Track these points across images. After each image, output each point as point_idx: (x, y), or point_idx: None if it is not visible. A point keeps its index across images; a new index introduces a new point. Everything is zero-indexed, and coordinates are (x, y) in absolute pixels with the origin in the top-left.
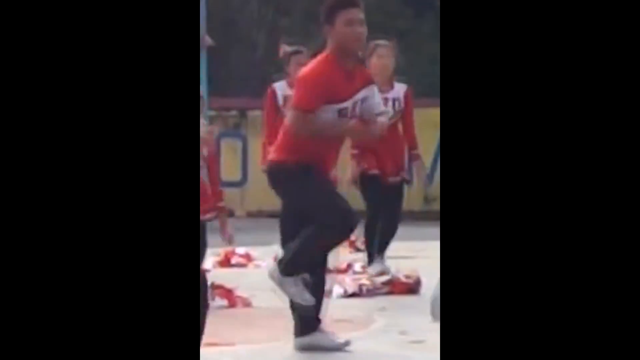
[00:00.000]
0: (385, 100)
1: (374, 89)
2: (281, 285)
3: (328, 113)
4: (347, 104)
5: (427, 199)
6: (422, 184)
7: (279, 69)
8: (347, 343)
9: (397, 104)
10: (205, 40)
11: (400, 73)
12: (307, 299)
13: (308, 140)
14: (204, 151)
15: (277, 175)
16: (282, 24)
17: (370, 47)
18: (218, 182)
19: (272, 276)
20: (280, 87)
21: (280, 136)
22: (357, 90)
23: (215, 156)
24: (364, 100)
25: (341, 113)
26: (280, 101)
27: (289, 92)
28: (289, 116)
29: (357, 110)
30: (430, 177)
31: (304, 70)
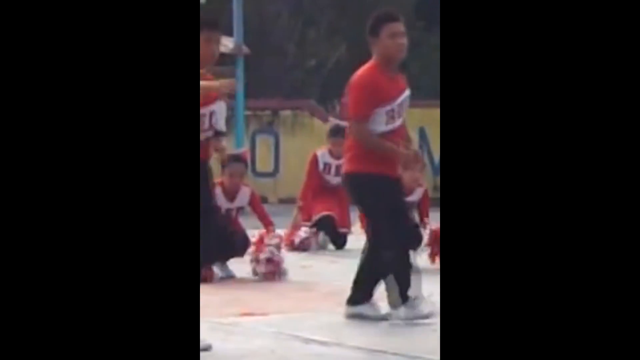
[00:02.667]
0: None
1: (408, 93)
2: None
3: (379, 115)
4: (393, 105)
5: (437, 188)
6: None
7: (306, 74)
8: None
9: (414, 205)
10: (242, 49)
11: (413, 78)
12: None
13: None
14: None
15: (354, 185)
16: (309, 36)
17: None
18: (268, 219)
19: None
20: (322, 155)
21: (351, 149)
22: (400, 93)
23: (256, 200)
24: (402, 103)
25: (388, 114)
26: (321, 166)
27: (328, 159)
28: (350, 125)
29: (401, 111)
30: (439, 168)
31: (354, 79)
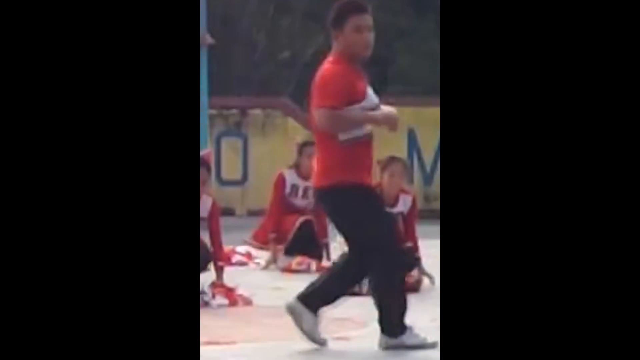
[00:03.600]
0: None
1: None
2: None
3: (356, 112)
4: (365, 102)
5: (427, 198)
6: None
7: (279, 68)
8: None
9: (400, 217)
10: (206, 39)
11: (401, 72)
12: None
13: (356, 157)
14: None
15: (335, 198)
16: (282, 24)
17: (383, 161)
18: (219, 242)
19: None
20: (290, 175)
21: (322, 160)
22: (366, 92)
23: (216, 215)
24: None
25: (363, 111)
26: (288, 189)
27: (297, 181)
28: (317, 117)
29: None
30: (430, 176)
31: (321, 73)
